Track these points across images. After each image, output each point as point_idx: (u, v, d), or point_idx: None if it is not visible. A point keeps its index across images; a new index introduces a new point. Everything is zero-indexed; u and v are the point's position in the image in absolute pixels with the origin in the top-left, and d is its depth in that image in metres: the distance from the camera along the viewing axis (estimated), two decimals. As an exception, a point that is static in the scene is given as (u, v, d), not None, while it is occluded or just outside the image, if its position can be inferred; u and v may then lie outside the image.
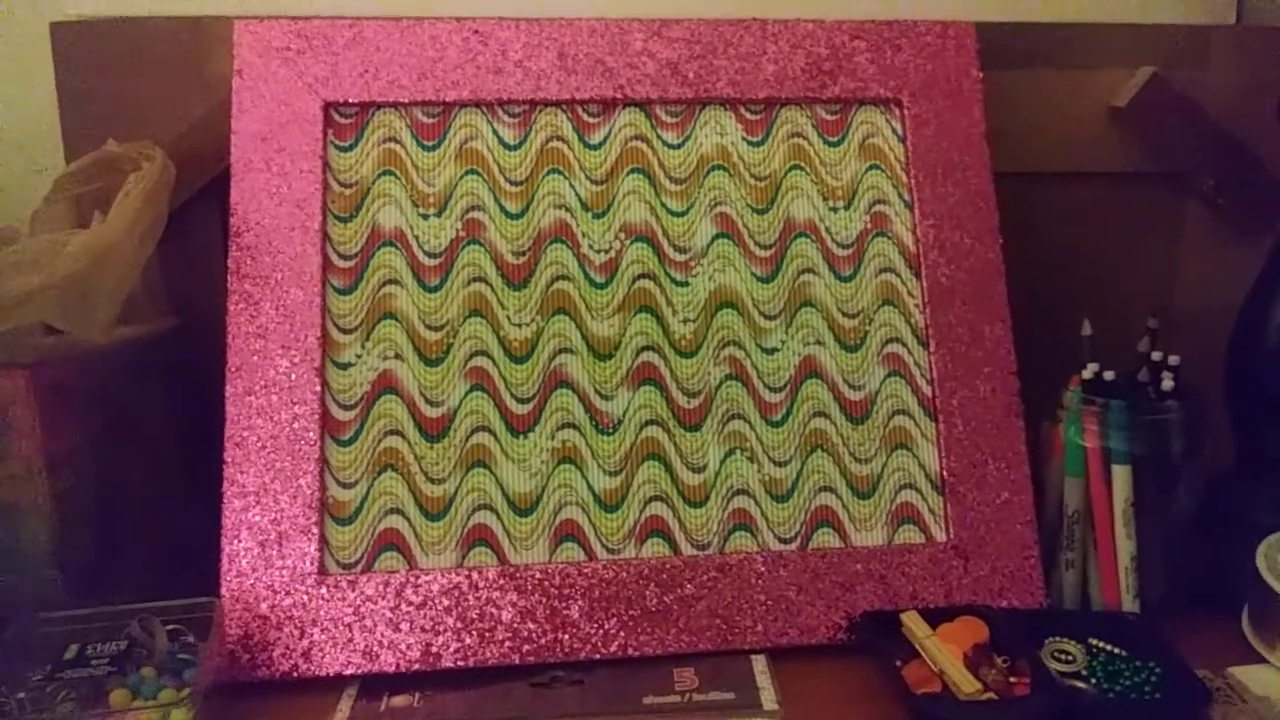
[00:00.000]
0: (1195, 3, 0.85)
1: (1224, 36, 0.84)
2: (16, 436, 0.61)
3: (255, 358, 0.67)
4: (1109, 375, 0.69)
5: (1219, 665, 0.63)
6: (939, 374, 0.71)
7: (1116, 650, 0.63)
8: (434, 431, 0.68)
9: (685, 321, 0.71)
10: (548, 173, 0.72)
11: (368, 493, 0.67)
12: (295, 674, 0.63)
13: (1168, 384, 0.68)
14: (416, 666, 0.63)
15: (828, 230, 0.73)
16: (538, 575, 0.65)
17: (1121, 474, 0.67)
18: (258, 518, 0.65)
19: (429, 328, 0.69)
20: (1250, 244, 0.82)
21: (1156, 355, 0.70)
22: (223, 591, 0.64)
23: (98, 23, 0.77)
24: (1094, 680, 0.61)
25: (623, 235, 0.72)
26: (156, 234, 0.67)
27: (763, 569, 0.67)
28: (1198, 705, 0.59)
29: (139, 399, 0.72)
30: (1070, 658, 0.63)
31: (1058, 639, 0.64)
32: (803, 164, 0.74)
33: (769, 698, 0.60)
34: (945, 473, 0.70)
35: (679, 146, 0.73)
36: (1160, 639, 0.63)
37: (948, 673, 0.60)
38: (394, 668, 0.63)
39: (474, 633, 0.64)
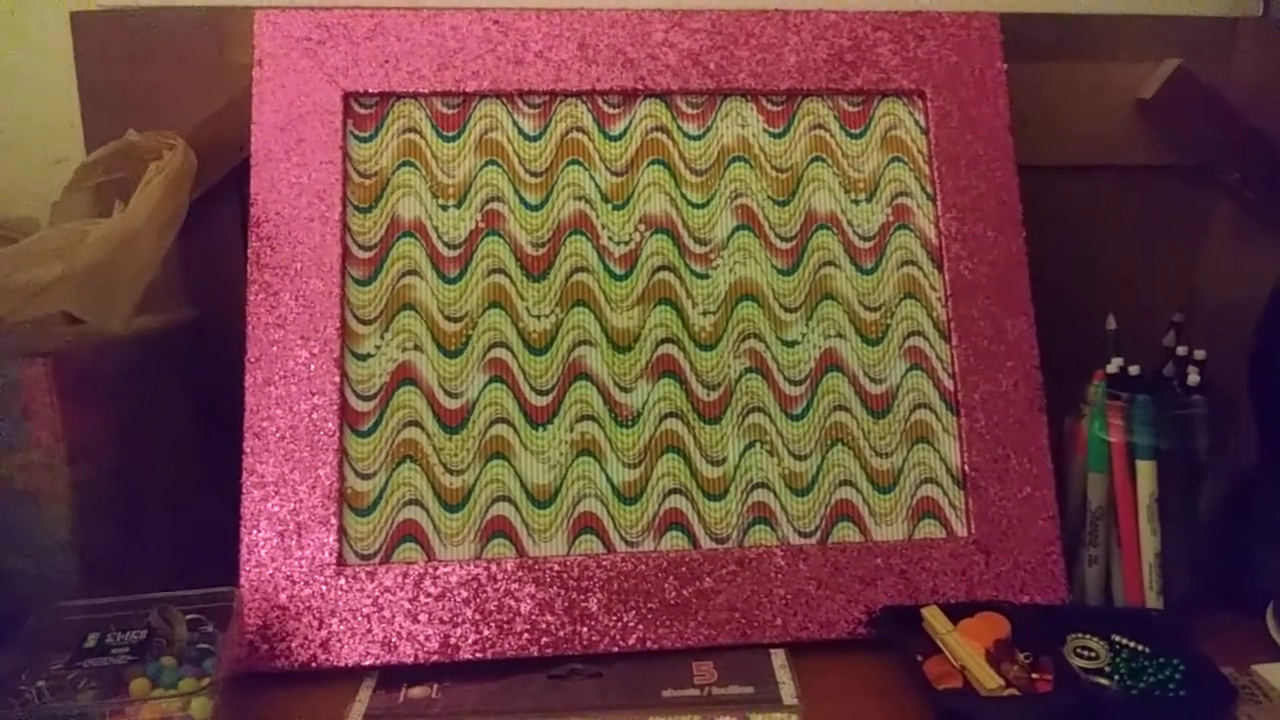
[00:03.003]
0: (1221, -6, 0.85)
1: (1250, 27, 0.83)
2: (37, 425, 0.61)
3: (274, 348, 0.67)
4: (1134, 370, 0.68)
5: (1243, 663, 0.62)
6: (961, 368, 0.70)
7: (1140, 647, 0.63)
8: (453, 423, 0.68)
9: (705, 314, 0.70)
10: (568, 164, 0.72)
11: (386, 484, 0.67)
12: (314, 664, 0.63)
13: (1193, 379, 0.67)
14: (435, 658, 0.63)
15: (849, 223, 0.73)
16: (556, 567, 0.65)
17: (1146, 469, 0.66)
18: (276, 508, 0.65)
19: (448, 319, 0.69)
20: (1277, 237, 0.82)
21: (1182, 350, 0.69)
22: (242, 582, 0.64)
23: (118, 12, 0.77)
24: (1117, 677, 0.61)
25: (643, 227, 0.71)
26: (177, 224, 0.67)
27: (782, 563, 0.66)
28: (1222, 703, 0.58)
29: (159, 389, 0.72)
30: (1093, 654, 0.62)
31: (1080, 635, 0.63)
32: (824, 156, 0.73)
33: (788, 692, 0.60)
34: (967, 467, 0.69)
35: (700, 138, 0.73)
36: (1184, 636, 0.63)
37: (969, 668, 0.59)
38: (412, 659, 0.63)
39: (492, 624, 0.64)
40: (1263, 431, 0.73)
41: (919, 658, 0.61)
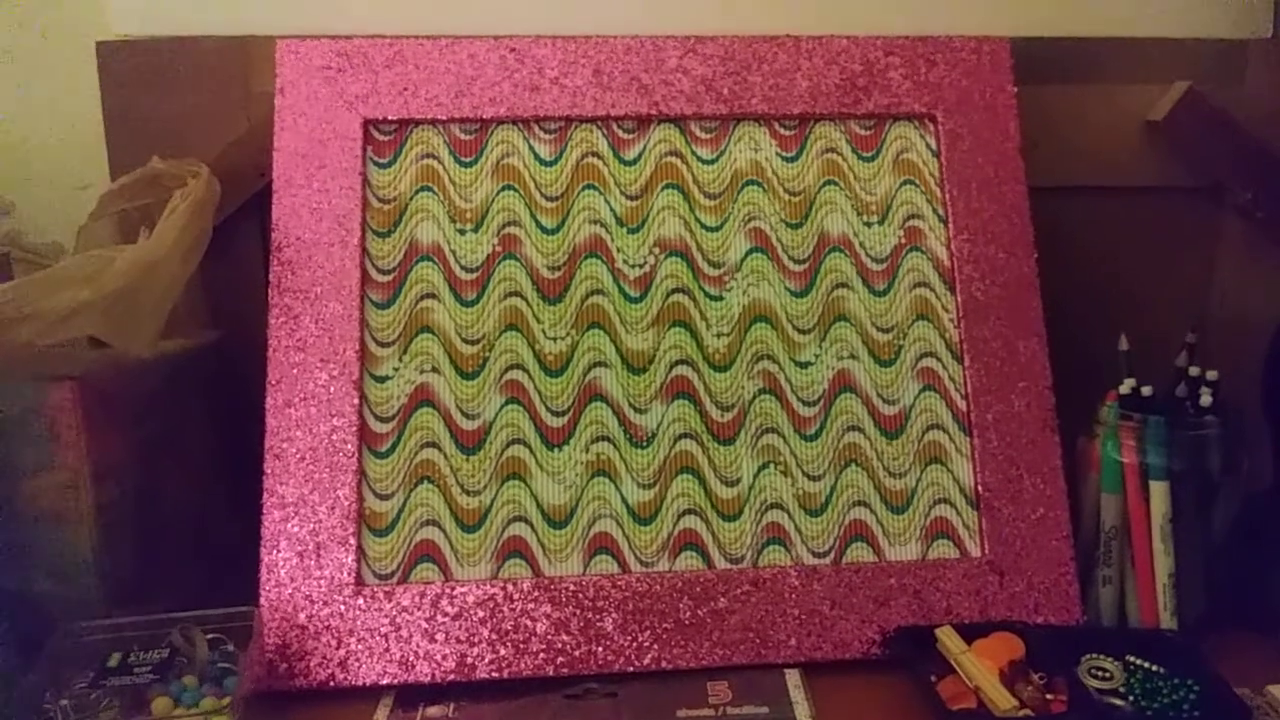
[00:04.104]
0: (1231, 16, 0.85)
1: (1260, 50, 0.83)
2: (62, 447, 0.62)
3: (295, 370, 0.68)
4: (1146, 390, 0.68)
5: (1258, 683, 0.62)
6: (973, 389, 0.71)
7: (1154, 668, 0.63)
8: (470, 444, 0.69)
9: (719, 336, 0.71)
10: (583, 188, 0.73)
11: (404, 504, 0.67)
12: (332, 683, 0.63)
13: (1206, 399, 0.67)
14: (451, 677, 0.64)
15: (862, 245, 0.73)
16: (572, 587, 0.66)
17: (1159, 490, 0.66)
18: (296, 528, 0.65)
19: (465, 341, 0.70)
20: (1289, 258, 0.82)
21: (1194, 370, 0.69)
22: (262, 601, 0.64)
23: (143, 42, 0.78)
24: (1131, 698, 0.61)
25: (657, 250, 0.72)
26: (201, 249, 0.68)
27: (796, 583, 0.67)
28: (1237, 724, 0.58)
29: (181, 411, 0.73)
30: (1108, 675, 0.62)
31: (1095, 656, 0.63)
32: (837, 179, 0.74)
33: (803, 712, 0.60)
34: (980, 488, 0.69)
35: (713, 162, 0.74)
36: (1198, 657, 0.63)
37: (983, 689, 0.59)
38: (429, 678, 0.63)
39: (508, 644, 0.64)
40: (1276, 451, 0.72)
41: (933, 678, 0.61)
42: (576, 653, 0.64)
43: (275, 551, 0.65)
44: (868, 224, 0.74)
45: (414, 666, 0.64)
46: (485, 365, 0.70)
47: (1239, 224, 0.84)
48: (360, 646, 0.64)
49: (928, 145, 0.75)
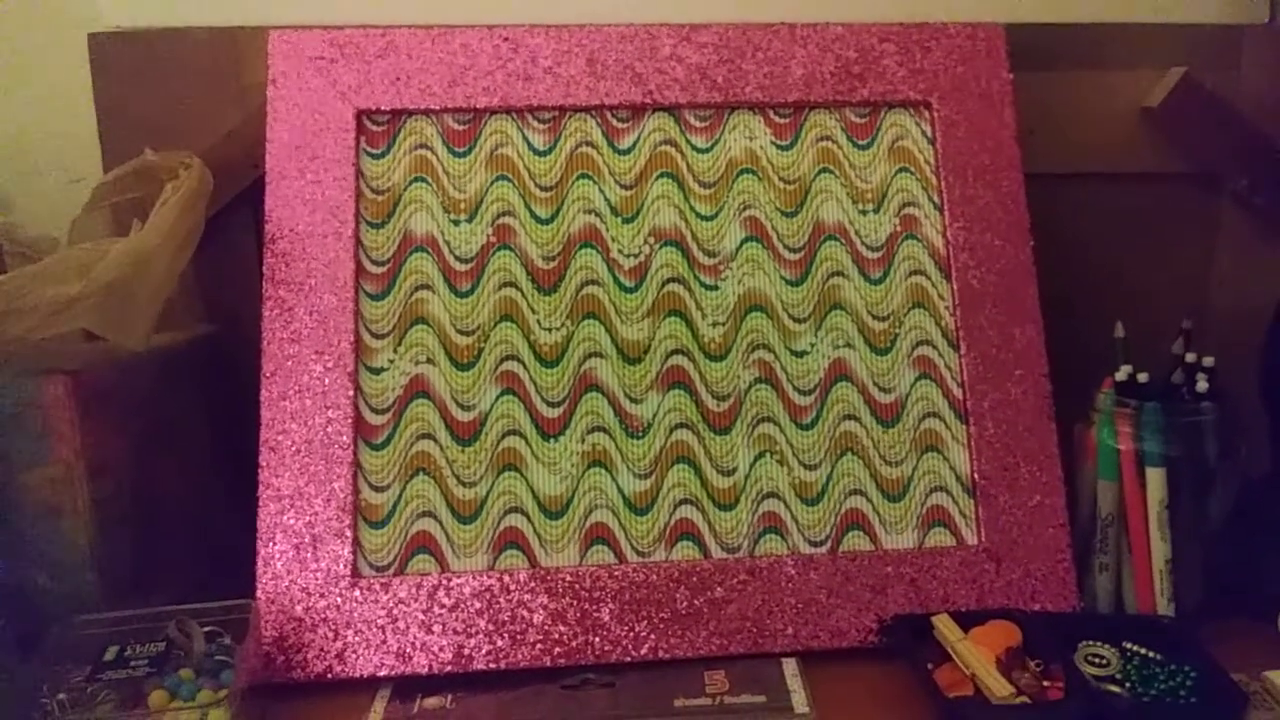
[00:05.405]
0: (1227, 2, 0.85)
1: (1257, 36, 0.83)
2: (57, 441, 0.62)
3: (289, 363, 0.68)
4: (1143, 377, 0.68)
5: (1254, 669, 0.62)
6: (970, 376, 0.71)
7: (1151, 654, 0.63)
8: (465, 435, 0.68)
9: (715, 325, 0.71)
10: (577, 178, 0.72)
11: (400, 496, 0.67)
12: (329, 675, 0.63)
13: (1202, 386, 0.67)
14: (449, 668, 0.64)
15: (857, 233, 0.73)
16: (568, 578, 0.66)
17: (1155, 477, 0.66)
18: (292, 521, 0.65)
19: (460, 332, 0.70)
20: (1285, 244, 0.82)
21: (1191, 357, 0.69)
22: (258, 594, 0.64)
23: (135, 33, 0.78)
24: (1128, 684, 0.61)
25: (652, 239, 0.72)
26: (194, 241, 0.68)
27: (793, 572, 0.67)
28: (1233, 709, 0.58)
29: (176, 404, 0.73)
30: (1104, 661, 0.62)
31: (1091, 643, 0.63)
32: (832, 167, 0.74)
33: (800, 701, 0.60)
34: (976, 475, 0.69)
35: (708, 151, 0.73)
36: (1195, 643, 0.63)
37: (980, 676, 0.59)
38: (426, 669, 0.63)
39: (505, 635, 0.64)
40: (1273, 437, 0.73)
41: (930, 666, 0.61)
42: (574, 643, 0.64)
43: (271, 544, 0.65)
44: (863, 212, 0.73)
45: (411, 658, 0.64)
46: (480, 356, 0.70)
47: (1235, 210, 0.84)
48: (357, 639, 0.64)
49: (923, 132, 0.74)
